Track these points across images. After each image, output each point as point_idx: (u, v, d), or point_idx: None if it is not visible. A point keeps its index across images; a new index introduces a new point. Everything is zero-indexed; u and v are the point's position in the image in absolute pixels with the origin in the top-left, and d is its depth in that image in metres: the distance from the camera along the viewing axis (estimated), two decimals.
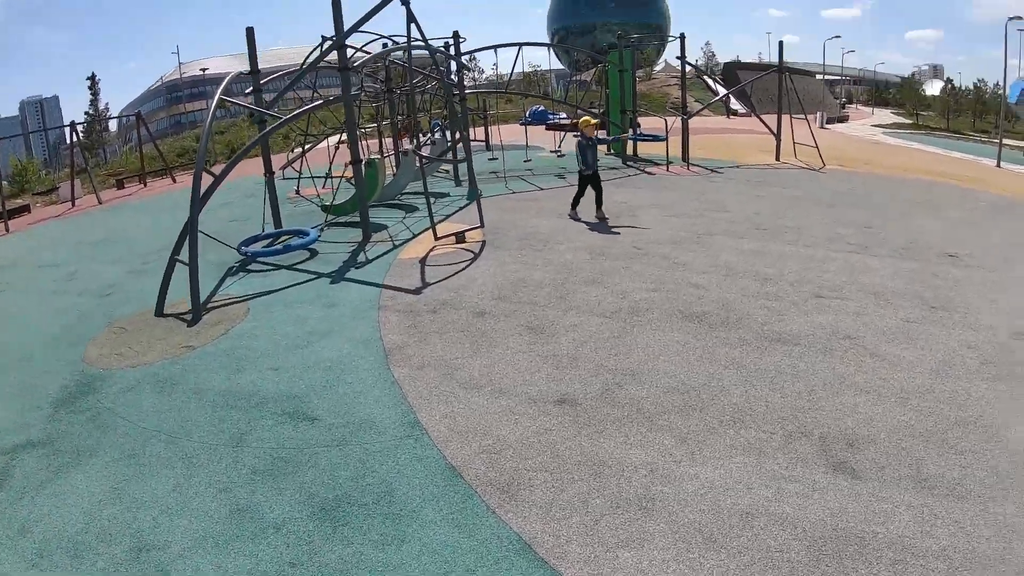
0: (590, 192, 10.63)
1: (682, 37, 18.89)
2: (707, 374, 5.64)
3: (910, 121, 66.25)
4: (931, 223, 12.63)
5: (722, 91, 42.93)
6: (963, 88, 78.46)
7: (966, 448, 4.82)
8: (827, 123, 45.74)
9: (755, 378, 5.60)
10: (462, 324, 6.51)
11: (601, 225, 10.32)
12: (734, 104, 45.98)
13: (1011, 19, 31.11)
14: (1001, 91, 39.65)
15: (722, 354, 6.01)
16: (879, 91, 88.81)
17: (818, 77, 67.96)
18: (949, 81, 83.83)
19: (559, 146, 17.82)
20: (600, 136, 12.08)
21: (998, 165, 27.96)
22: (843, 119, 57.76)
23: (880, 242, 10.62)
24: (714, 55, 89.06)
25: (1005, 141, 31.95)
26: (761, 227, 10.89)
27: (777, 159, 19.28)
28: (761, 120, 21.07)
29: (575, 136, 10.72)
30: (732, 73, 61.53)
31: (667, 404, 5.05)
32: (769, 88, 26.47)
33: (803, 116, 20.65)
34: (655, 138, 17.42)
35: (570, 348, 5.93)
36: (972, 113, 70.57)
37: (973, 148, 38.72)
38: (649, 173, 15.83)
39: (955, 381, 5.93)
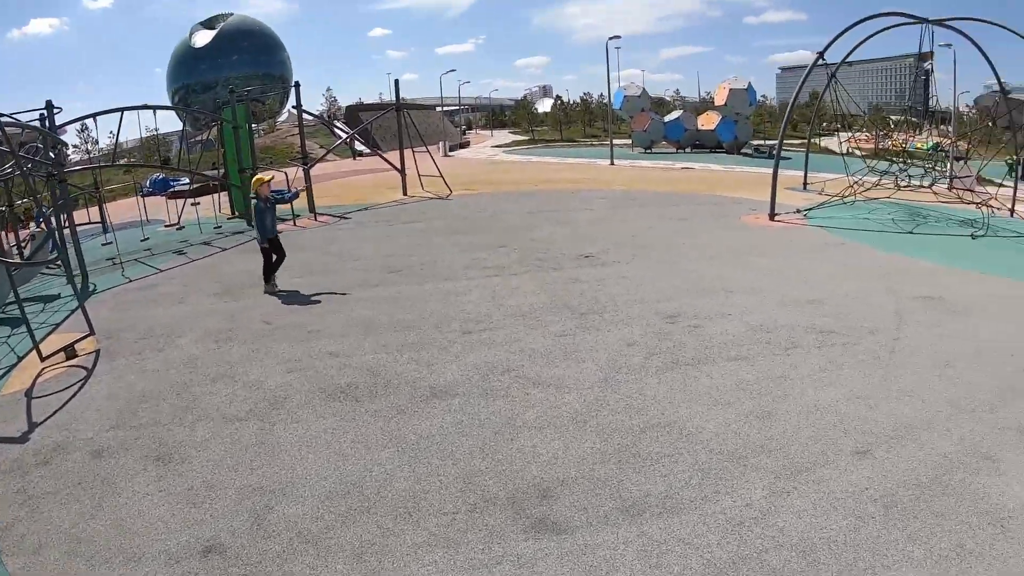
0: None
1: (296, 85, 21.90)
2: (366, 462, 5.66)
3: (527, 137, 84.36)
4: (561, 229, 15.58)
5: (343, 135, 48.81)
6: (572, 102, 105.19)
7: (661, 454, 5.53)
8: (450, 151, 54.44)
9: (420, 451, 5.77)
10: (79, 473, 6.22)
11: (227, 306, 10.52)
12: (359, 145, 51.96)
13: (611, 39, 42.78)
14: (606, 100, 52.87)
15: (377, 432, 6.16)
16: (496, 115, 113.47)
17: (438, 109, 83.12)
18: (559, 98, 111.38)
19: (179, 218, 18.26)
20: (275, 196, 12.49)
21: (611, 163, 37.32)
22: (465, 145, 70.01)
23: (517, 259, 12.50)
24: (336, 100, 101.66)
25: (614, 141, 43.15)
26: (395, 269, 12.00)
27: (405, 194, 22.53)
28: (383, 158, 24.85)
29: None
30: (355, 115, 70.61)
31: (330, 516, 4.98)
32: (392, 126, 31.66)
33: (424, 148, 24.75)
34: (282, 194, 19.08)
35: (205, 473, 5.75)
36: (582, 122, 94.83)
37: (587, 152, 50.74)
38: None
39: (627, 385, 6.89)
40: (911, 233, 15.80)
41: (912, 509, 4.89)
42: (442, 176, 23.60)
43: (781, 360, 7.70)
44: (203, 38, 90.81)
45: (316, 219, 18.42)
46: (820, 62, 18.46)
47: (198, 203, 18.75)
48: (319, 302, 10.35)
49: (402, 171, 23.28)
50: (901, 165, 23.34)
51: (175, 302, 11.00)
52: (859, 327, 8.87)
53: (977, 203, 18.69)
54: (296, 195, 13.31)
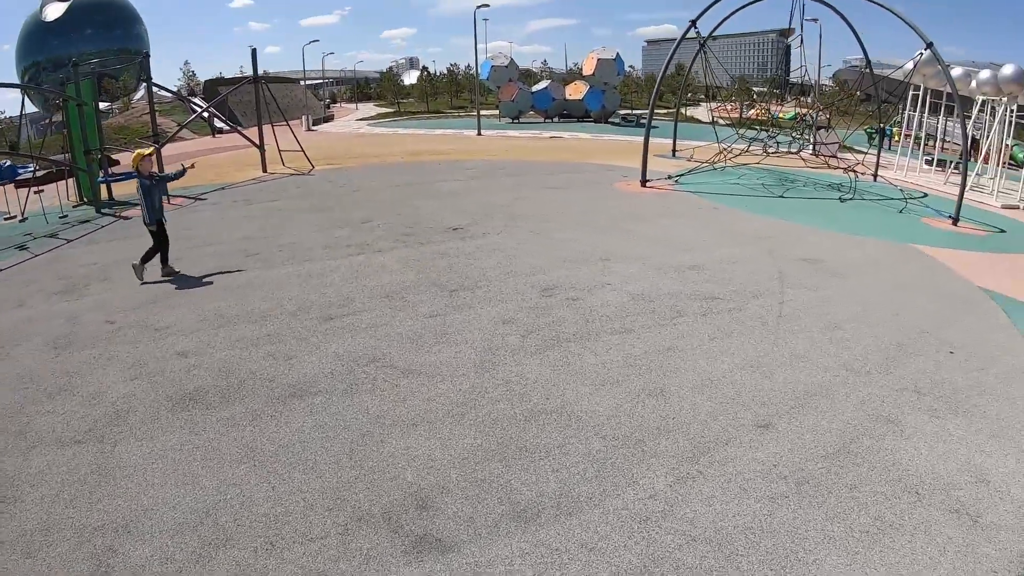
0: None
1: (146, 56, 20.41)
2: (220, 483, 4.86)
3: (392, 110, 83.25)
4: (428, 202, 14.90)
5: (200, 110, 46.40)
6: (438, 74, 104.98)
7: (550, 445, 5.04)
8: (314, 125, 52.58)
9: (280, 463, 5.03)
10: None
11: (69, 306, 9.18)
12: (219, 122, 49.27)
13: (479, 7, 41.69)
14: (473, 71, 52.26)
15: (231, 444, 5.34)
16: (361, 87, 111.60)
17: (302, 83, 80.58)
18: (425, 69, 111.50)
19: (22, 209, 16.63)
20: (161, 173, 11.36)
21: (479, 134, 36.90)
22: (329, 119, 68.03)
23: (382, 235, 11.74)
24: (194, 74, 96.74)
25: (481, 112, 42.74)
26: (252, 253, 10.89)
27: (265, 171, 21.19)
28: (242, 134, 23.39)
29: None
30: (214, 90, 67.06)
31: (181, 556, 4.21)
32: (253, 101, 30.66)
33: (284, 123, 23.57)
34: (129, 176, 17.99)
35: (40, 513, 4.79)
36: (449, 94, 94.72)
37: (454, 123, 49.98)
38: (125, 218, 15.28)
39: (505, 368, 6.35)
40: (782, 197, 16.24)
41: (824, 484, 4.65)
42: (303, 151, 22.50)
43: (668, 330, 7.41)
44: (55, 11, 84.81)
45: (170, 202, 16.88)
46: (693, 30, 18.55)
47: (42, 191, 17.00)
48: (169, 294, 9.24)
49: (261, 147, 22.11)
50: (769, 132, 24.17)
51: (13, 306, 9.56)
52: (743, 292, 8.77)
53: (845, 168, 19.54)
54: (183, 172, 12.19)
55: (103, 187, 18.62)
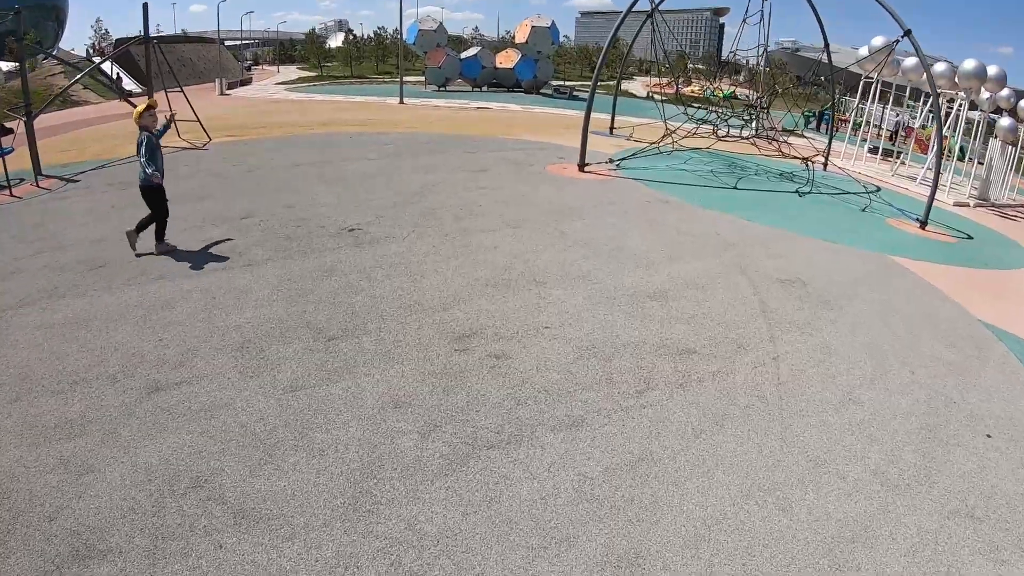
0: None
1: (17, 12, 16.94)
2: None
3: (315, 74, 78.68)
4: (327, 188, 12.08)
5: (116, 76, 41.71)
6: (365, 37, 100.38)
7: None
8: (228, 89, 48.28)
9: None
10: None
11: None
12: (129, 84, 44.30)
13: None
14: (400, 35, 48.56)
15: None
16: (285, 49, 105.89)
17: (224, 43, 74.69)
18: (350, 31, 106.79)
19: None
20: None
21: (401, 102, 33.64)
22: (247, 82, 63.19)
23: (258, 238, 8.99)
24: (108, 32, 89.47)
25: (407, 79, 39.46)
26: (98, 264, 7.96)
27: None
28: (129, 102, 19.62)
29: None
30: (127, 50, 60.78)
31: None
32: (174, 61, 27.46)
33: (179, 88, 19.94)
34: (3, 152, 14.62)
35: None
36: (374, 58, 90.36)
37: (378, 90, 46.35)
38: None
39: (391, 509, 4.03)
40: (735, 188, 14.22)
41: None
42: (199, 121, 18.89)
43: (634, 419, 5.12)
44: None
45: (38, 184, 13.34)
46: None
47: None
48: None
49: None
50: (720, 115, 21.98)
51: None
52: (724, 340, 6.60)
53: (804, 159, 17.62)
54: (168, 126, 10.05)
55: None
